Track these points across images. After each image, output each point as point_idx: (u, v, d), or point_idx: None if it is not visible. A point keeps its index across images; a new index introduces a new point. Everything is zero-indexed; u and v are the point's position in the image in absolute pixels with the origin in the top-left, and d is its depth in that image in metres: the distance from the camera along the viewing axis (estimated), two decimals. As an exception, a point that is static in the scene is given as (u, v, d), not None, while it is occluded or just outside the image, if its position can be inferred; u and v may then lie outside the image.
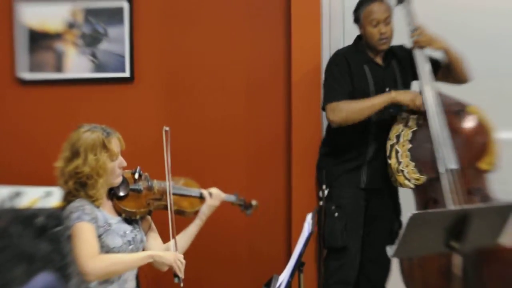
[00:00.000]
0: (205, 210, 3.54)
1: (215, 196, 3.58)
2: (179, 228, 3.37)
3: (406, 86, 4.15)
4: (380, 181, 4.08)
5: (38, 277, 3.41)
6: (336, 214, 3.99)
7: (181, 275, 3.19)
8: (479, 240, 3.35)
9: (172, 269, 3.19)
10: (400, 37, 4.10)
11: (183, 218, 3.48)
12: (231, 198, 3.74)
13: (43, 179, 4.22)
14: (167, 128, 3.36)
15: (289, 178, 4.50)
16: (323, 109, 4.07)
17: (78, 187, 3.18)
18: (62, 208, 3.23)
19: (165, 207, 3.41)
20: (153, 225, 3.46)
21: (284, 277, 3.10)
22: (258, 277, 3.49)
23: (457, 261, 3.25)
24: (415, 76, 4.11)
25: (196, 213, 3.53)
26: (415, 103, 3.94)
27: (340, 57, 4.09)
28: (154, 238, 3.43)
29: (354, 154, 4.08)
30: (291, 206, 4.50)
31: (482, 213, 3.33)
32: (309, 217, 3.33)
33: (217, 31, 4.53)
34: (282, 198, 4.55)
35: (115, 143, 3.25)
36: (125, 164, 3.29)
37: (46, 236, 4.01)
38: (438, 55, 4.11)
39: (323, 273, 4.09)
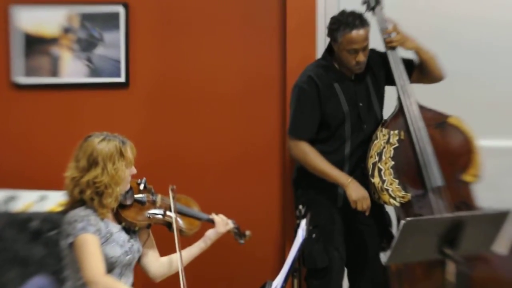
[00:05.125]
0: (212, 236, 3.53)
1: (224, 223, 3.56)
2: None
3: (380, 96, 4.04)
4: None
5: (32, 280, 3.41)
6: (314, 235, 3.80)
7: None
8: (472, 247, 3.37)
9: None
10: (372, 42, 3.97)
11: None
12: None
13: (38, 183, 4.24)
14: (174, 187, 3.39)
15: (283, 182, 4.50)
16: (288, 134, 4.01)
17: (94, 196, 3.18)
18: (62, 212, 3.23)
19: (165, 223, 3.43)
20: (151, 235, 3.46)
21: (277, 282, 3.10)
22: (252, 282, 3.49)
23: (450, 268, 3.26)
24: (388, 81, 4.01)
25: (193, 234, 3.51)
26: (362, 205, 3.84)
27: (309, 81, 3.92)
28: (151, 249, 3.45)
29: None
30: (285, 211, 4.51)
31: (476, 220, 3.35)
32: (303, 223, 3.34)
33: (212, 36, 4.53)
34: (276, 203, 4.55)
35: (130, 151, 3.27)
36: (135, 171, 3.31)
37: (40, 240, 4.01)
38: (410, 56, 4.02)
39: None
